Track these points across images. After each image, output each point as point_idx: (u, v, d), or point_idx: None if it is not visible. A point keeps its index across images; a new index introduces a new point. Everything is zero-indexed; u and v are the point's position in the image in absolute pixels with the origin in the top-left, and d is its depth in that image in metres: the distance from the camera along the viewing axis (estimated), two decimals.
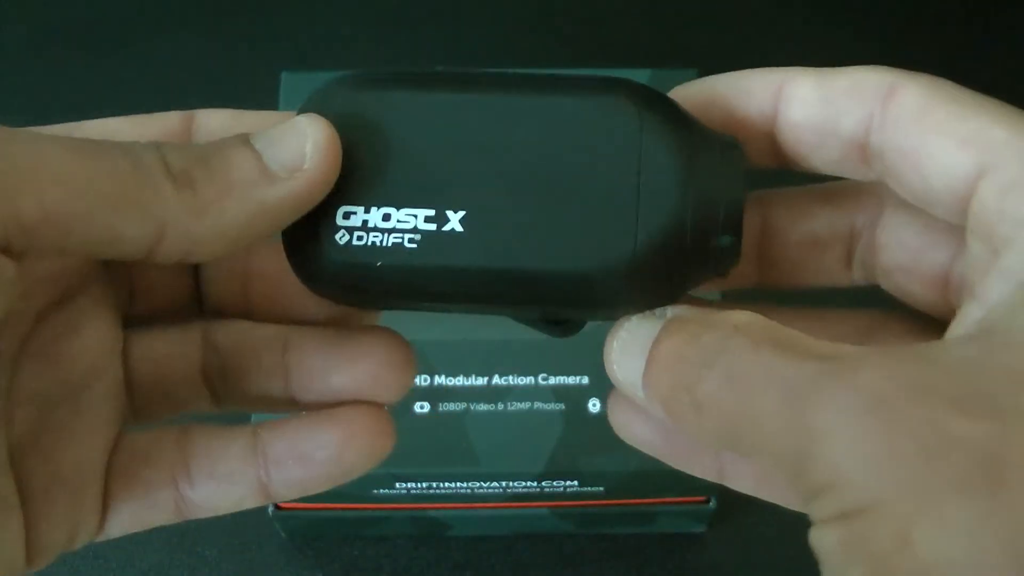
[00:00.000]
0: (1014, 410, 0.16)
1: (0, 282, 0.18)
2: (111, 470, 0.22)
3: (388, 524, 0.48)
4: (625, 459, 0.43)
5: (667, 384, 0.20)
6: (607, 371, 0.22)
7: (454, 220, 0.21)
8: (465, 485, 0.44)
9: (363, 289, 0.22)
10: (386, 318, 0.45)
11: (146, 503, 0.23)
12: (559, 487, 0.44)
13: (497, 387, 0.44)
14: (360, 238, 0.21)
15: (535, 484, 0.44)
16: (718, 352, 0.19)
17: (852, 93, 0.20)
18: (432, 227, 0.21)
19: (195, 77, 0.61)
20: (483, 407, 0.43)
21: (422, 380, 0.44)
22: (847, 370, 0.17)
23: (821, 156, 0.21)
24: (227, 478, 0.23)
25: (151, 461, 0.23)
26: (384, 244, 0.21)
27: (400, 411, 0.43)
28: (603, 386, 0.44)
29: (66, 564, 0.49)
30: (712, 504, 0.46)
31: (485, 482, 0.44)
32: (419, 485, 0.44)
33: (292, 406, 0.24)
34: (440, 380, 0.44)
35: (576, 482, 0.44)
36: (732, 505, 0.47)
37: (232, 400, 0.24)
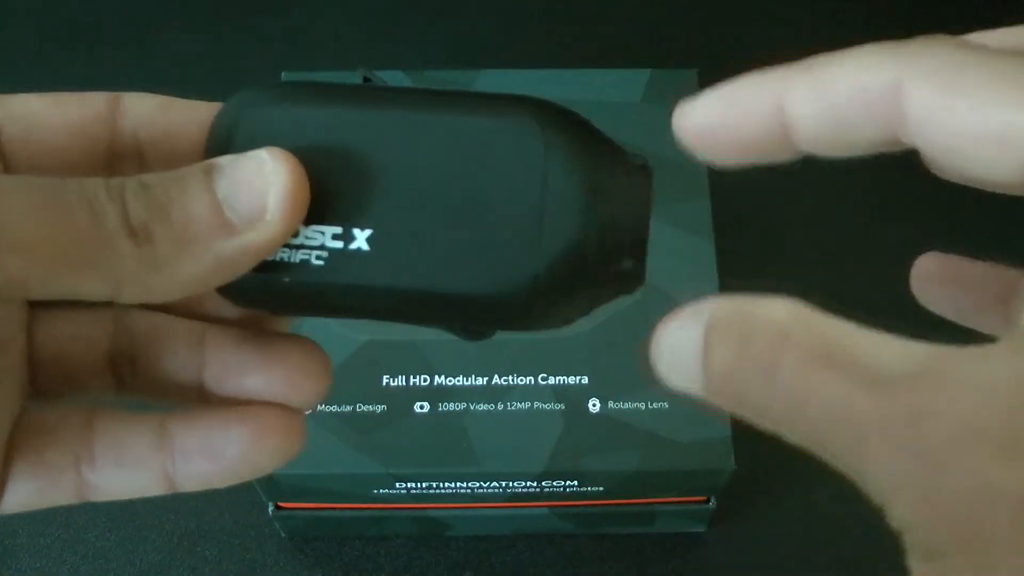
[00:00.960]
0: None
1: None
2: (12, 446, 0.22)
3: (388, 524, 0.48)
4: (625, 459, 0.43)
5: (730, 399, 0.20)
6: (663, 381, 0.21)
7: (361, 239, 0.21)
8: (465, 485, 0.44)
9: (272, 302, 0.22)
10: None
11: (47, 482, 0.22)
12: (559, 487, 0.44)
13: (497, 387, 0.44)
14: (269, 254, 0.21)
15: (535, 484, 0.44)
16: (772, 369, 0.19)
17: (857, 103, 0.20)
18: (339, 245, 0.21)
19: (195, 77, 0.61)
20: (483, 407, 0.43)
21: (422, 380, 0.44)
22: (899, 404, 0.17)
23: (852, 151, 0.21)
24: (132, 465, 0.23)
25: (55, 441, 0.22)
26: (292, 260, 0.21)
27: (400, 411, 0.43)
28: (603, 386, 0.44)
29: (66, 564, 0.49)
30: (712, 504, 0.46)
31: (485, 482, 0.44)
32: (419, 485, 0.44)
33: (200, 401, 0.24)
34: (440, 380, 0.44)
35: (576, 482, 0.44)
36: (732, 505, 0.47)
37: (138, 389, 0.24)
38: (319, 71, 0.50)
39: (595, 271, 0.21)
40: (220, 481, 0.23)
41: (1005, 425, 0.16)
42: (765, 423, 0.19)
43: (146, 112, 0.23)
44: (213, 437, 0.23)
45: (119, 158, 0.23)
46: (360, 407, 0.43)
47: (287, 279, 0.21)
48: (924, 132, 0.19)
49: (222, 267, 0.20)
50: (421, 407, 0.43)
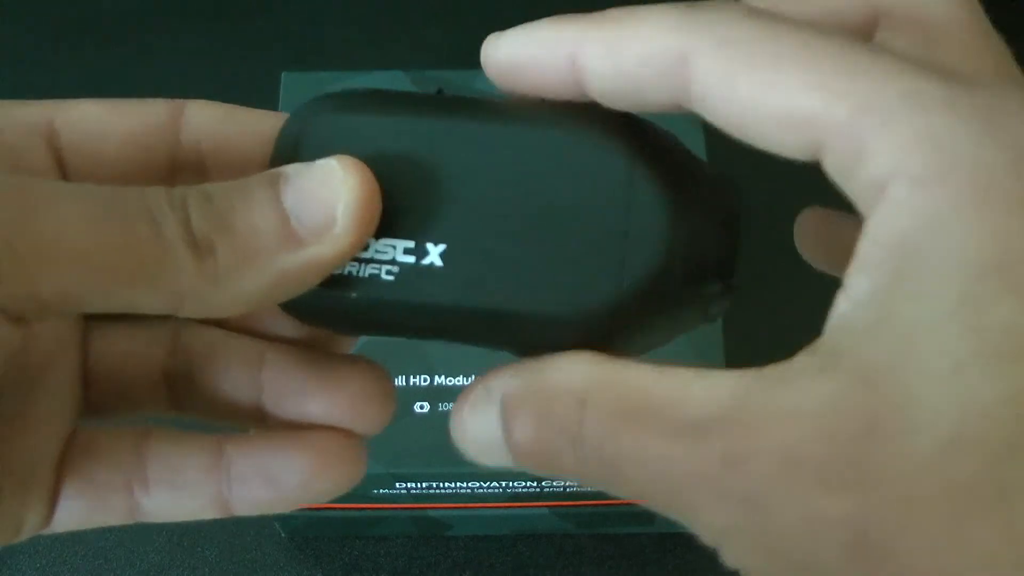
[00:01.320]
0: (873, 477, 0.16)
1: (1, 346, 0.18)
2: (64, 465, 0.21)
3: (388, 524, 0.48)
4: None
5: (546, 471, 0.19)
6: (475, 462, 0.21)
7: (434, 254, 0.20)
8: (465, 485, 0.44)
9: (338, 319, 0.21)
10: None
11: (97, 502, 0.22)
12: (559, 487, 0.44)
13: None
14: (337, 268, 0.20)
15: (535, 484, 0.44)
16: (577, 438, 0.18)
17: (645, 68, 0.18)
18: (411, 260, 0.20)
19: (195, 77, 0.61)
20: None
21: (422, 380, 0.44)
22: (710, 450, 0.17)
23: (643, 110, 0.20)
24: (185, 488, 0.22)
25: (107, 460, 0.22)
26: (360, 275, 0.20)
27: (400, 411, 0.43)
28: None
29: (66, 564, 0.49)
30: None
31: (485, 482, 0.43)
32: (419, 485, 0.44)
33: (258, 423, 0.23)
34: (440, 380, 0.44)
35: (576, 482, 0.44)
36: None
37: (194, 408, 0.23)
38: (319, 71, 0.50)
39: (680, 291, 0.20)
40: (276, 508, 0.22)
41: (820, 452, 0.16)
42: (587, 487, 0.19)
43: (209, 122, 0.22)
44: (272, 463, 0.22)
45: (180, 169, 0.22)
46: None
47: (355, 295, 0.20)
48: (707, 105, 0.18)
49: (287, 281, 0.19)
50: (421, 407, 0.43)
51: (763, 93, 0.17)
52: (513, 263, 0.19)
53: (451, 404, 0.47)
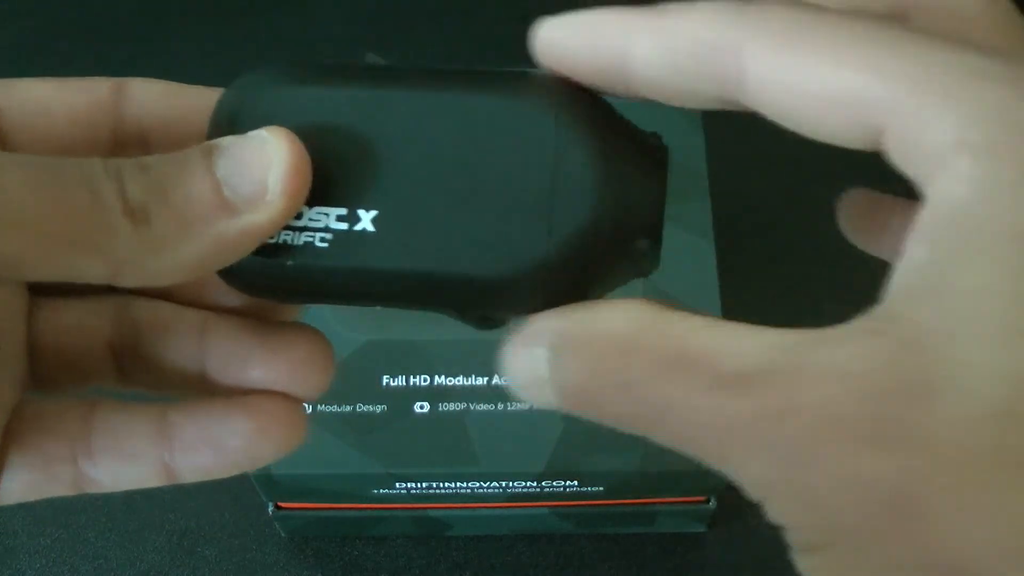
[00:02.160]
0: (918, 437, 0.16)
1: None
2: (9, 436, 0.22)
3: (388, 524, 0.48)
4: (625, 459, 0.43)
5: (591, 413, 0.20)
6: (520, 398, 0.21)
7: (366, 220, 0.20)
8: (465, 485, 0.44)
9: (276, 287, 0.21)
10: (385, 318, 0.45)
11: (44, 474, 0.22)
12: (559, 487, 0.44)
13: (497, 387, 0.44)
14: (271, 236, 0.20)
15: (535, 484, 0.44)
16: (625, 381, 0.18)
17: (697, 60, 0.19)
18: (344, 226, 0.20)
19: (195, 77, 0.61)
20: (483, 407, 0.43)
21: (422, 380, 0.44)
22: (755, 403, 0.17)
23: (692, 104, 0.20)
24: (130, 457, 0.22)
25: (53, 432, 0.22)
26: (295, 243, 0.20)
27: (400, 411, 0.43)
28: None
29: (66, 564, 0.49)
30: (712, 504, 0.46)
31: (485, 482, 0.43)
32: (419, 485, 0.44)
33: (201, 391, 0.23)
34: (440, 380, 0.44)
35: (576, 482, 0.44)
36: (732, 505, 0.47)
37: (140, 379, 0.24)
38: None
39: (608, 253, 0.20)
40: (220, 472, 0.23)
41: (866, 413, 0.16)
42: (631, 431, 0.19)
43: (151, 98, 0.23)
44: (214, 427, 0.22)
45: (123, 145, 0.23)
46: (360, 407, 0.43)
47: (290, 262, 0.20)
48: (764, 94, 0.18)
49: (222, 249, 0.20)
50: (421, 407, 0.43)
51: (821, 79, 0.17)
52: (444, 226, 0.20)
53: (451, 404, 0.48)
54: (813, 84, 0.18)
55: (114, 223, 0.19)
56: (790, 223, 0.57)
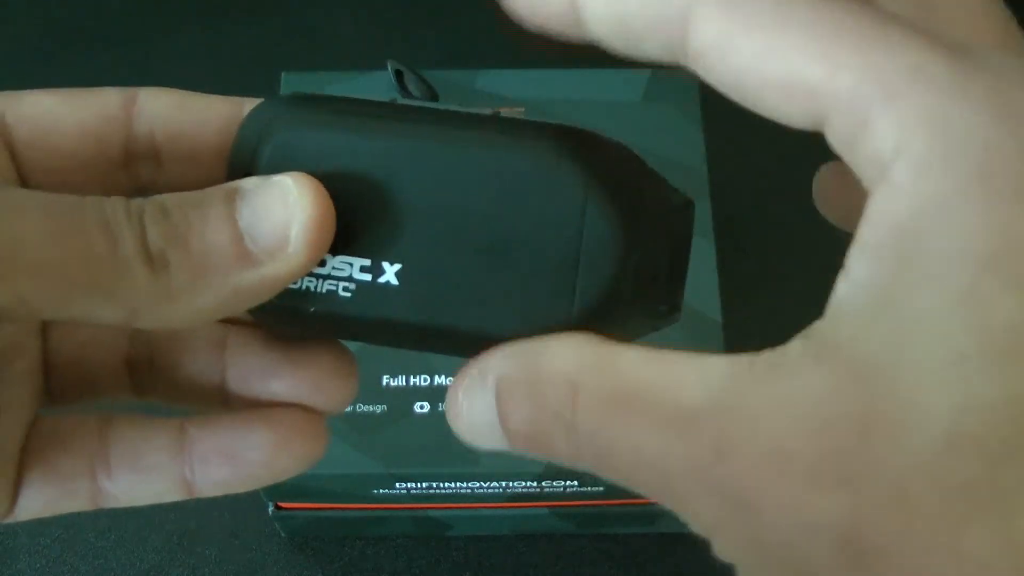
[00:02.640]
0: (867, 475, 0.15)
1: None
2: (26, 453, 0.22)
3: (388, 524, 0.48)
4: None
5: (540, 454, 0.19)
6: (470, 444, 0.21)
7: (390, 273, 0.20)
8: (465, 485, 0.44)
9: (297, 328, 0.22)
10: None
11: (61, 490, 0.22)
12: (559, 487, 0.44)
13: None
14: (295, 281, 0.20)
15: (535, 484, 0.44)
16: (571, 423, 0.18)
17: (645, 17, 0.18)
18: (367, 277, 0.20)
19: (195, 77, 0.61)
20: None
21: (422, 380, 0.44)
22: (699, 441, 0.16)
23: (639, 57, 0.19)
24: (148, 471, 0.22)
25: (70, 447, 0.22)
26: (318, 290, 0.20)
27: (400, 411, 0.43)
28: None
29: (66, 564, 0.49)
30: None
31: (485, 482, 0.43)
32: (419, 485, 0.44)
33: (221, 406, 0.23)
34: (440, 380, 0.44)
35: (576, 482, 0.44)
36: None
37: (157, 393, 0.24)
38: (319, 71, 0.50)
39: (628, 315, 0.20)
40: (239, 486, 0.22)
41: (811, 449, 0.15)
42: (582, 470, 0.19)
43: (162, 109, 0.22)
44: (234, 441, 0.22)
45: (135, 157, 0.22)
46: (360, 407, 0.43)
47: (313, 308, 0.20)
48: (705, 64, 0.18)
49: (239, 298, 0.20)
50: (421, 407, 0.43)
51: (765, 57, 0.17)
52: (468, 284, 0.20)
53: None
54: (758, 61, 0.17)
55: (132, 271, 0.18)
56: (790, 223, 0.57)
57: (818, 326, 0.17)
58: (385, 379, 0.44)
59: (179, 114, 0.22)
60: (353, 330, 0.21)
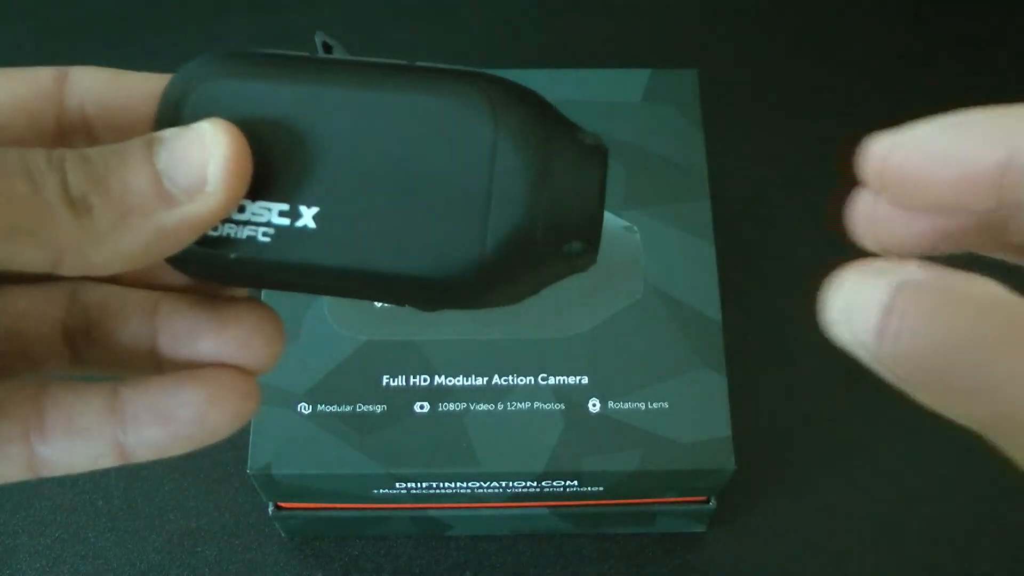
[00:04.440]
0: None
1: None
2: None
3: (388, 524, 0.48)
4: (625, 459, 0.43)
5: (911, 373, 0.18)
6: (829, 331, 0.19)
7: (307, 216, 0.21)
8: (465, 485, 0.44)
9: (220, 276, 0.22)
10: (385, 318, 0.45)
11: None
12: (559, 487, 0.44)
13: (497, 387, 0.44)
14: (215, 228, 0.21)
15: (535, 484, 0.44)
16: (979, 352, 0.17)
17: None
18: (285, 222, 0.21)
19: None
20: (483, 407, 0.43)
21: (422, 380, 0.44)
22: None
23: None
24: (82, 434, 0.22)
25: (3, 413, 0.22)
26: (238, 236, 0.21)
27: (400, 411, 0.43)
28: (603, 386, 0.44)
29: (66, 563, 0.49)
30: (712, 504, 0.46)
31: (485, 482, 0.44)
32: (419, 485, 0.44)
33: (155, 371, 0.23)
34: (440, 380, 0.44)
35: (576, 482, 0.44)
36: (732, 505, 0.47)
37: (94, 362, 0.24)
38: None
39: (542, 253, 0.21)
40: (174, 448, 0.23)
41: None
42: (955, 410, 0.18)
43: (95, 86, 0.23)
44: (165, 400, 0.22)
45: (68, 134, 0.23)
46: (360, 407, 0.43)
47: (233, 255, 0.21)
48: None
49: (163, 240, 0.20)
50: (421, 407, 0.43)
51: None
52: (383, 225, 0.21)
53: (451, 404, 0.48)
54: None
55: (55, 213, 0.19)
56: (790, 223, 0.57)
57: None
58: (385, 379, 0.44)
59: (111, 88, 0.23)
60: (274, 276, 0.21)
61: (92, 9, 0.64)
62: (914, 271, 0.18)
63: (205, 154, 0.20)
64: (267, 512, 0.47)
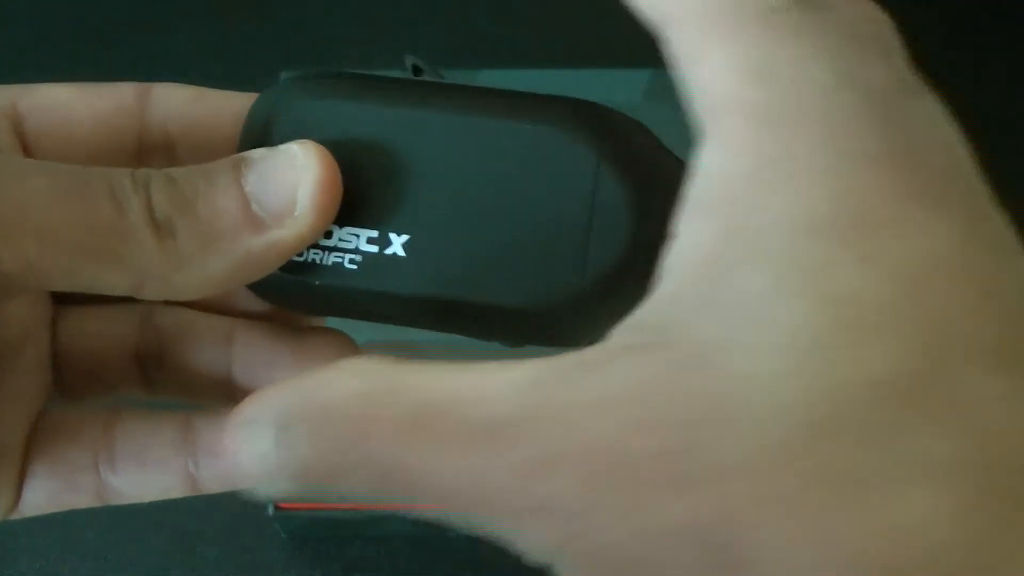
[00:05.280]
0: (721, 470, 0.13)
1: None
2: (32, 446, 0.21)
3: (388, 524, 0.48)
4: None
5: (336, 489, 0.18)
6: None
7: (397, 244, 0.20)
8: None
9: (303, 303, 0.21)
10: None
11: (65, 484, 0.22)
12: None
13: None
14: (300, 254, 0.20)
15: None
16: (365, 455, 0.16)
17: None
18: (374, 249, 0.20)
19: (195, 77, 0.61)
20: None
21: None
22: (514, 456, 0.14)
23: None
24: (153, 465, 0.22)
25: (75, 441, 0.22)
26: (324, 262, 0.20)
27: None
28: None
29: (66, 563, 0.49)
30: None
31: None
32: None
33: (228, 400, 0.23)
34: None
35: None
36: None
37: (166, 387, 0.23)
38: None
39: (642, 287, 0.20)
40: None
41: (650, 449, 0.14)
42: (392, 505, 0.17)
43: (177, 104, 0.22)
44: None
45: (148, 151, 0.22)
46: None
47: (318, 282, 0.20)
48: None
49: (248, 265, 0.19)
50: None
51: None
52: (476, 255, 0.20)
53: None
54: None
55: (139, 236, 0.18)
56: None
57: (644, 311, 0.15)
58: None
59: (193, 107, 0.22)
60: (359, 305, 0.20)
61: (92, 9, 0.64)
62: (283, 398, 0.16)
63: (295, 177, 0.19)
64: (267, 512, 0.46)
